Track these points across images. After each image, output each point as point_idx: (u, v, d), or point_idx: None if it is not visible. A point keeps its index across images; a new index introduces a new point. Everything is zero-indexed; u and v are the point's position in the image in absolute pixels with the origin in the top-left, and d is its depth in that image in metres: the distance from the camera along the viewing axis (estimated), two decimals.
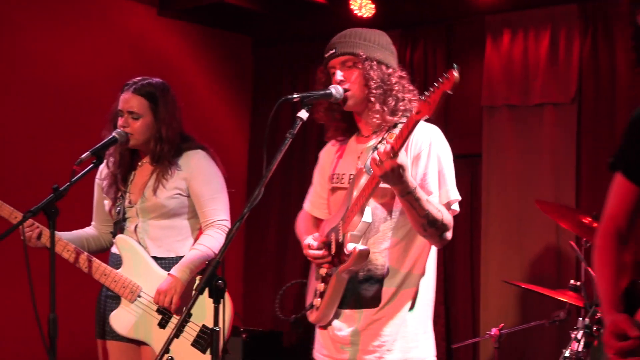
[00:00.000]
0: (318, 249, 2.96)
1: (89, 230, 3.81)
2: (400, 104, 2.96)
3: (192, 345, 3.50)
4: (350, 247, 2.82)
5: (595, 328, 4.08)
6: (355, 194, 2.87)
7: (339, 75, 2.97)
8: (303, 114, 2.83)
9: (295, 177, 7.08)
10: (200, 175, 3.66)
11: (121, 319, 3.54)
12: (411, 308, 2.93)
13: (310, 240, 3.00)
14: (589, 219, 4.61)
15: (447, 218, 2.80)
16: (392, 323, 2.90)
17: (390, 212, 2.92)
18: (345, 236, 2.86)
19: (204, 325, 3.49)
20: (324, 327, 3.04)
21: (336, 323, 2.99)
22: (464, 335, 5.93)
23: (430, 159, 2.88)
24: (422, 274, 2.96)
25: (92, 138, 3.61)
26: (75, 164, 3.25)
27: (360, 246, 2.81)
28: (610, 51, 5.62)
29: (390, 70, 2.99)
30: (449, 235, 2.83)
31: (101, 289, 3.66)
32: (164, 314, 3.51)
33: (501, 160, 6.07)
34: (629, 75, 5.53)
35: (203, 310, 3.41)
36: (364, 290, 2.92)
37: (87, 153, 3.34)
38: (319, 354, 3.09)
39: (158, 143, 3.59)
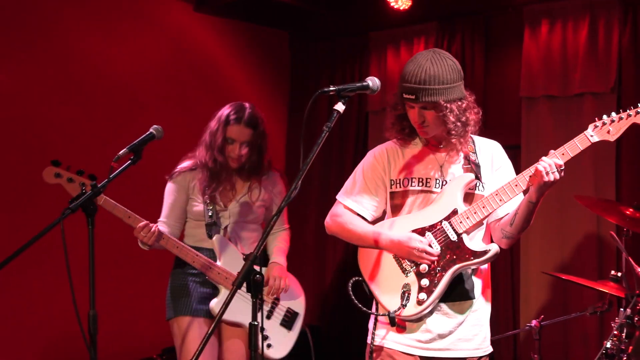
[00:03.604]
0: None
1: (162, 229, 4.14)
2: (472, 125, 3.24)
3: (280, 324, 4.26)
4: (479, 245, 3.15)
5: (636, 319, 4.05)
6: (459, 196, 3.15)
7: (419, 117, 3.17)
8: (340, 107, 2.84)
9: (334, 170, 7.09)
10: (280, 193, 4.40)
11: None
12: (488, 300, 3.34)
13: (416, 237, 3.16)
14: (631, 210, 4.55)
15: None
16: (484, 312, 3.30)
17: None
18: (462, 235, 3.14)
19: (289, 308, 4.31)
20: (414, 320, 3.17)
21: (429, 315, 3.16)
22: (504, 328, 5.89)
23: (510, 171, 3.35)
24: (490, 268, 3.35)
25: (136, 134, 3.64)
26: (113, 161, 3.28)
27: (495, 246, 3.14)
28: None
29: (464, 104, 3.19)
30: None
31: (173, 276, 4.25)
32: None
33: (540, 151, 5.91)
34: None
35: (290, 294, 4.33)
36: (459, 285, 3.18)
37: (125, 150, 3.38)
38: (401, 345, 3.19)
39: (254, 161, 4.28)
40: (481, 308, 3.27)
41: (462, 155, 3.26)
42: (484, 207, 3.11)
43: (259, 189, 4.29)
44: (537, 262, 5.91)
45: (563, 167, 3.02)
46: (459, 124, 3.15)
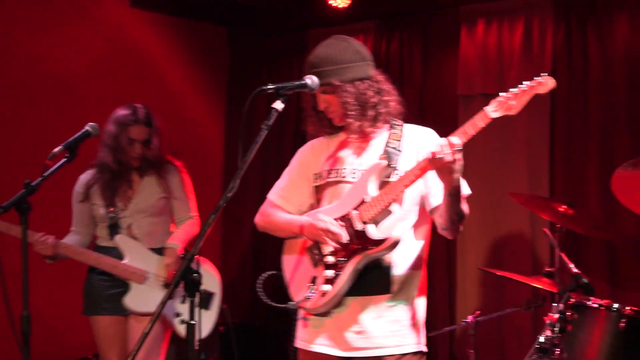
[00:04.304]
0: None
1: (72, 237, 4.38)
2: (380, 108, 3.11)
3: (200, 306, 4.18)
4: (378, 233, 2.96)
5: (569, 314, 4.12)
6: (371, 185, 3.00)
7: (321, 104, 3.13)
8: (278, 105, 2.83)
9: (272, 169, 7.08)
10: (178, 184, 4.49)
11: (136, 300, 4.26)
12: (419, 295, 3.14)
13: (325, 219, 3.05)
14: (564, 207, 4.64)
15: (467, 211, 3.04)
16: (406, 308, 3.08)
17: (400, 205, 3.05)
18: (366, 224, 2.97)
19: (203, 289, 4.45)
20: (323, 316, 3.09)
21: (339, 311, 3.05)
22: (441, 324, 5.96)
23: None
24: (424, 263, 3.18)
25: (69, 131, 3.59)
26: (47, 159, 3.24)
27: (395, 234, 2.96)
28: (583, 39, 5.65)
29: (365, 84, 3.10)
30: (462, 227, 3.05)
31: (87, 277, 4.37)
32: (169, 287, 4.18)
33: (476, 148, 6.08)
34: (601, 63, 5.57)
35: (204, 275, 4.40)
36: (373, 278, 3.02)
37: (60, 147, 3.34)
38: (311, 344, 3.13)
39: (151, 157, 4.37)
40: (401, 304, 3.07)
41: (384, 142, 3.13)
42: (387, 193, 2.96)
43: (157, 183, 4.40)
44: (473, 258, 5.99)
45: (459, 148, 2.75)
46: (355, 103, 3.06)
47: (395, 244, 2.96)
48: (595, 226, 4.86)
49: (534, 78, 2.68)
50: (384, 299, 3.04)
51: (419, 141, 3.14)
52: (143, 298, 4.26)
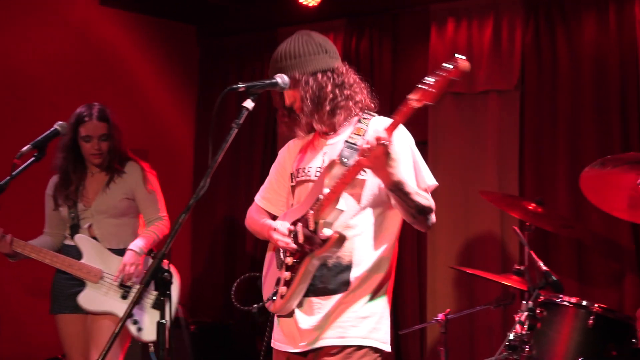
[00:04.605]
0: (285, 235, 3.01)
1: (43, 238, 4.40)
2: (341, 101, 3.05)
3: (152, 307, 4.29)
4: (327, 232, 2.89)
5: (538, 311, 4.15)
6: (327, 183, 2.92)
7: (288, 99, 3.09)
8: (249, 104, 2.82)
9: (242, 167, 7.07)
10: (138, 183, 4.42)
11: (89, 298, 4.24)
12: (376, 294, 3.01)
13: (281, 226, 3.04)
14: (533, 205, 4.68)
15: (433, 204, 2.92)
16: (357, 306, 2.97)
17: (359, 202, 2.98)
18: (318, 224, 2.91)
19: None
20: (286, 316, 3.06)
21: (299, 311, 3.02)
22: (412, 321, 5.98)
23: (404, 151, 2.97)
24: (388, 262, 3.05)
25: (37, 130, 3.56)
26: (15, 158, 3.21)
27: (339, 232, 2.89)
28: (552, 38, 5.70)
29: (326, 76, 3.05)
30: (434, 217, 2.94)
31: (55, 275, 4.36)
32: (125, 288, 4.28)
33: (447, 147, 6.13)
34: (570, 62, 5.62)
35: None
36: (333, 278, 2.96)
37: (28, 146, 3.33)
38: (278, 343, 3.11)
39: (110, 155, 4.35)
40: (355, 300, 2.97)
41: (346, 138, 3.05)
42: (332, 192, 2.89)
43: (118, 182, 4.35)
44: (444, 256, 6.02)
45: (385, 141, 2.66)
46: (315, 99, 3.02)
47: (339, 241, 2.88)
48: (564, 224, 4.90)
49: (444, 65, 2.63)
50: (339, 298, 2.96)
51: None
52: (96, 297, 4.25)
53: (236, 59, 7.32)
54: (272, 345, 3.16)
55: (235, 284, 3.22)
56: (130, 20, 6.89)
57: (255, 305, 3.14)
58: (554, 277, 4.29)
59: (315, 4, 6.36)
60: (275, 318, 3.14)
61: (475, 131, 6.01)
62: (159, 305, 4.11)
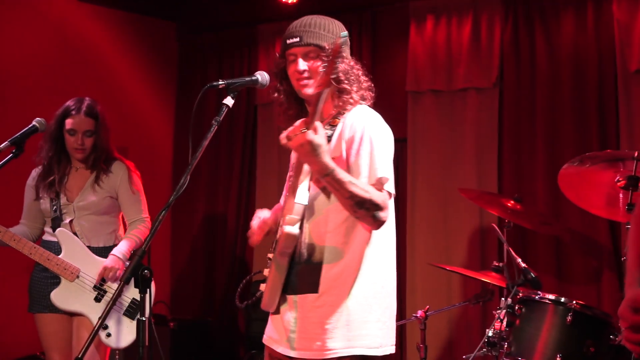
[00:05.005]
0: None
1: (19, 228, 4.35)
2: (359, 91, 3.00)
3: (124, 314, 4.22)
4: (286, 229, 2.84)
5: (517, 308, 4.17)
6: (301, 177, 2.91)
7: (302, 64, 2.95)
8: (229, 101, 2.82)
9: (223, 164, 7.06)
10: (123, 182, 4.38)
11: (62, 296, 4.17)
12: (354, 295, 2.86)
13: (255, 223, 3.05)
14: (512, 202, 4.70)
15: (378, 198, 2.75)
16: (334, 310, 2.85)
17: (329, 196, 2.88)
18: (283, 219, 2.88)
19: (133, 298, 4.24)
20: (275, 313, 3.02)
21: (280, 309, 2.98)
22: None
23: (362, 141, 2.86)
24: (364, 259, 2.90)
25: (14, 127, 3.55)
26: None
27: (288, 227, 2.83)
28: (530, 36, 5.74)
29: (352, 62, 3.02)
30: (382, 215, 2.77)
31: (33, 272, 4.30)
32: (99, 290, 4.20)
33: (426, 145, 6.15)
34: (548, 60, 5.66)
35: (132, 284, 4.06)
36: (302, 275, 2.90)
37: (6, 143, 3.32)
38: (267, 338, 3.07)
39: (96, 152, 4.31)
40: (329, 305, 2.85)
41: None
42: (293, 185, 2.89)
43: (102, 181, 4.31)
44: (423, 253, 6.04)
45: (304, 129, 2.62)
46: (349, 78, 2.97)
47: (288, 237, 2.83)
48: (542, 221, 4.94)
49: (328, 46, 2.65)
50: (311, 298, 2.87)
51: (348, 125, 2.94)
52: (69, 296, 4.18)
53: (215, 56, 7.30)
54: (263, 340, 3.11)
55: (244, 282, 3.20)
56: (109, 17, 6.86)
57: (245, 302, 3.12)
58: (532, 274, 4.30)
59: (295, 1, 6.36)
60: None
61: (454, 129, 6.04)
62: (130, 313, 4.19)
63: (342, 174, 2.69)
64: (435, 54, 6.07)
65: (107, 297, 4.19)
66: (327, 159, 2.65)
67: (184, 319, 6.55)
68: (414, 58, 6.13)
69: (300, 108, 3.09)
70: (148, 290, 2.53)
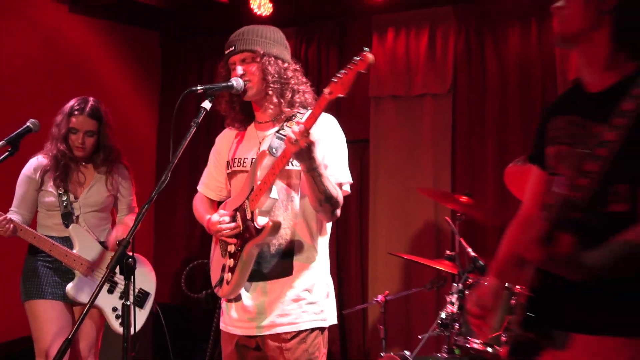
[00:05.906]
0: (230, 222, 2.96)
1: (16, 218, 4.04)
2: (297, 96, 3.01)
3: (133, 303, 3.99)
4: (262, 221, 2.85)
5: (467, 292, 4.22)
6: (259, 174, 2.90)
7: (239, 69, 2.99)
8: (207, 104, 2.83)
9: (201, 163, 6.98)
10: (125, 182, 4.33)
11: (78, 289, 4.03)
12: (318, 276, 2.99)
13: (216, 217, 3.01)
14: (465, 198, 4.75)
15: (340, 197, 2.88)
16: (303, 290, 2.95)
17: (295, 191, 2.95)
18: (254, 213, 2.88)
19: (140, 288, 4.28)
20: (233, 300, 3.02)
21: (246, 296, 2.97)
22: (355, 302, 6.03)
23: (327, 144, 2.93)
24: (325, 245, 3.06)
25: (9, 127, 3.53)
26: None
27: (273, 219, 2.86)
28: (481, 47, 5.81)
29: (286, 65, 3.03)
30: (338, 212, 2.89)
31: (27, 263, 4.11)
32: (111, 283, 4.14)
33: (386, 146, 6.19)
34: (497, 69, 5.72)
35: (142, 276, 4.31)
36: (276, 263, 2.94)
37: (2, 142, 3.29)
38: (227, 326, 3.06)
39: (104, 151, 4.20)
40: (300, 285, 2.95)
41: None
42: (264, 182, 2.85)
43: (107, 179, 4.20)
44: (384, 244, 6.07)
45: (307, 133, 2.64)
46: (280, 80, 2.96)
47: (274, 229, 2.85)
48: (490, 214, 4.98)
49: (354, 58, 2.59)
50: (283, 281, 2.94)
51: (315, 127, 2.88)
52: (84, 288, 4.04)
53: (196, 62, 7.28)
54: (221, 328, 3.11)
55: (185, 271, 3.19)
56: (97, 26, 6.81)
57: (203, 292, 3.10)
58: (481, 262, 4.36)
59: (268, 14, 6.38)
60: (224, 302, 3.09)
61: (412, 131, 6.09)
62: (140, 301, 4.23)
63: (323, 170, 2.78)
64: (395, 63, 6.11)
65: (119, 289, 4.14)
66: (317, 155, 2.73)
67: (165, 303, 6.53)
68: (376, 66, 6.15)
69: (248, 112, 3.12)
70: (132, 277, 2.53)
